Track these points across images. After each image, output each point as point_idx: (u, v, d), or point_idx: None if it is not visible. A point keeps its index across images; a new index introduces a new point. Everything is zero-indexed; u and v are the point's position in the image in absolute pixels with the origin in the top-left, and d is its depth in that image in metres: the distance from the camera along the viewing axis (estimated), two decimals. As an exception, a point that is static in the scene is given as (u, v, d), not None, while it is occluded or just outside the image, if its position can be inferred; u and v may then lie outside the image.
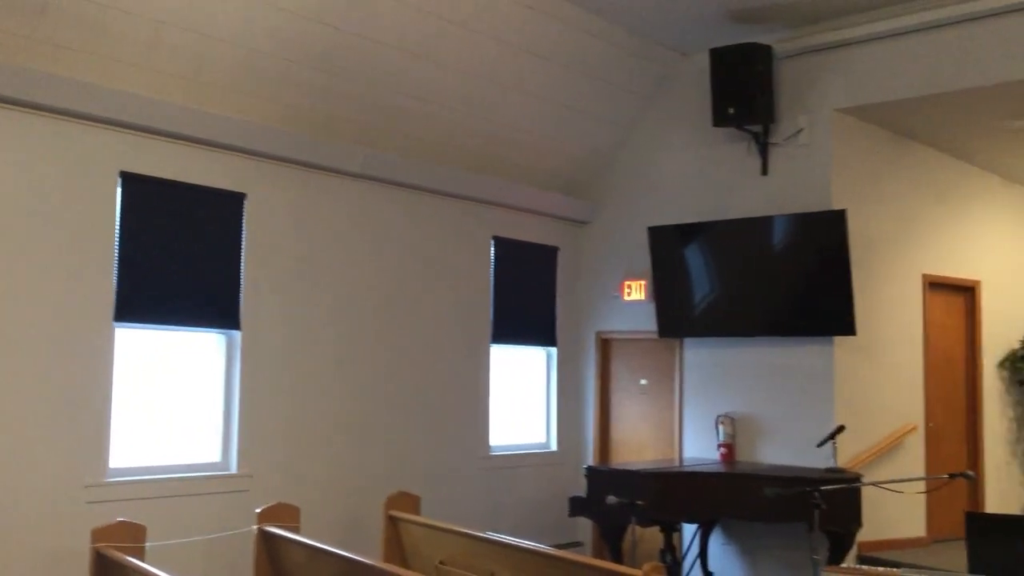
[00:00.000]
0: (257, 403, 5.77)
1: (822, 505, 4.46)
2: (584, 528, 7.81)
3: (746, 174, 7.06)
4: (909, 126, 6.96)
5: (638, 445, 7.74)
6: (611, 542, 6.28)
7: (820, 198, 6.62)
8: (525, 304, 7.74)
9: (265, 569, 4.97)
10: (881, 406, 6.87)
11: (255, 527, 4.99)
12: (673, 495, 6.09)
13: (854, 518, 5.86)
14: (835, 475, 5.96)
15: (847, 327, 6.35)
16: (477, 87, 6.60)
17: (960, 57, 5.99)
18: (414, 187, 6.77)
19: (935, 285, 7.47)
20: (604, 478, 6.34)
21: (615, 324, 7.91)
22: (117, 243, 5.20)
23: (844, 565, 5.61)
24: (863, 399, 6.72)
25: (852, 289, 6.32)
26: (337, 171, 6.25)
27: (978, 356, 7.84)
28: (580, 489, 6.72)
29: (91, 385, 5.05)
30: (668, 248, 7.24)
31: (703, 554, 6.93)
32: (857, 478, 5.83)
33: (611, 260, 7.95)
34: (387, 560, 5.26)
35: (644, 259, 7.47)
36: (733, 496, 6.04)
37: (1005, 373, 8.09)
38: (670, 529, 6.63)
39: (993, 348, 7.99)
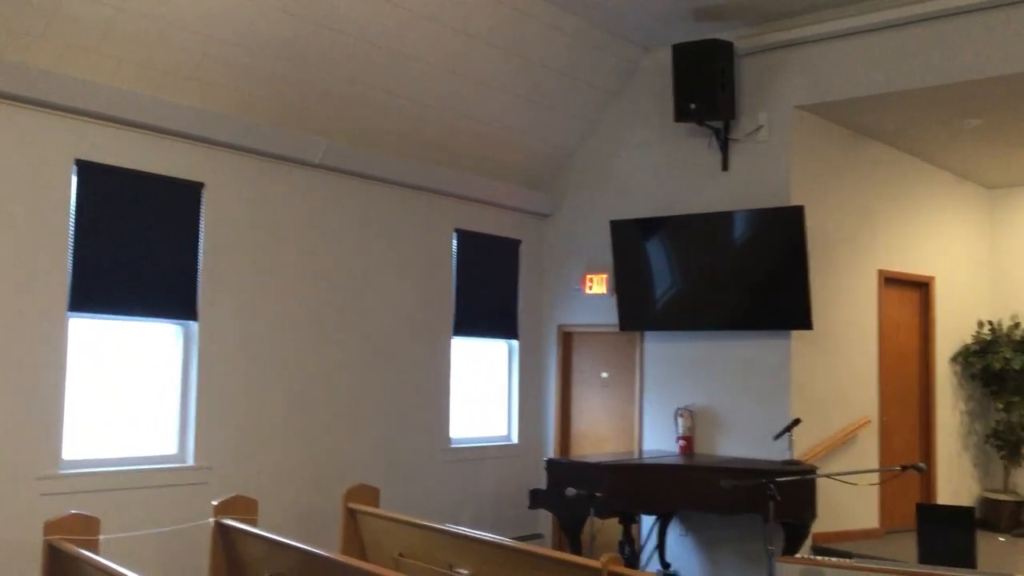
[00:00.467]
0: (214, 395, 5.72)
1: (777, 497, 4.53)
2: (544, 520, 7.85)
3: (707, 169, 7.12)
4: (867, 124, 7.06)
5: (599, 437, 7.79)
6: (570, 534, 6.32)
7: (779, 194, 6.69)
8: (487, 296, 7.74)
9: (221, 562, 4.93)
10: (836, 399, 6.98)
11: (211, 520, 4.94)
12: (631, 487, 6.14)
13: (809, 509, 5.95)
14: (791, 467, 6.04)
15: (804, 322, 6.44)
16: (440, 79, 6.57)
17: (917, 56, 6.08)
18: (376, 179, 6.74)
19: (890, 281, 7.59)
20: (564, 470, 6.37)
21: (577, 317, 7.94)
22: (72, 232, 5.12)
23: (798, 555, 5.70)
24: (819, 393, 6.82)
25: (809, 284, 6.41)
26: (297, 161, 6.20)
27: (931, 351, 7.99)
28: (541, 481, 6.75)
29: (44, 376, 4.97)
30: (630, 242, 7.28)
31: (661, 545, 7.00)
32: (812, 470, 5.91)
33: (573, 253, 7.98)
34: (345, 553, 5.24)
35: (606, 253, 7.51)
36: (690, 488, 6.11)
37: (957, 367, 8.26)
38: (629, 521, 6.67)
39: (946, 343, 8.15)
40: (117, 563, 3.87)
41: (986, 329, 8.37)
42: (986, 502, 8.18)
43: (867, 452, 7.18)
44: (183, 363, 5.67)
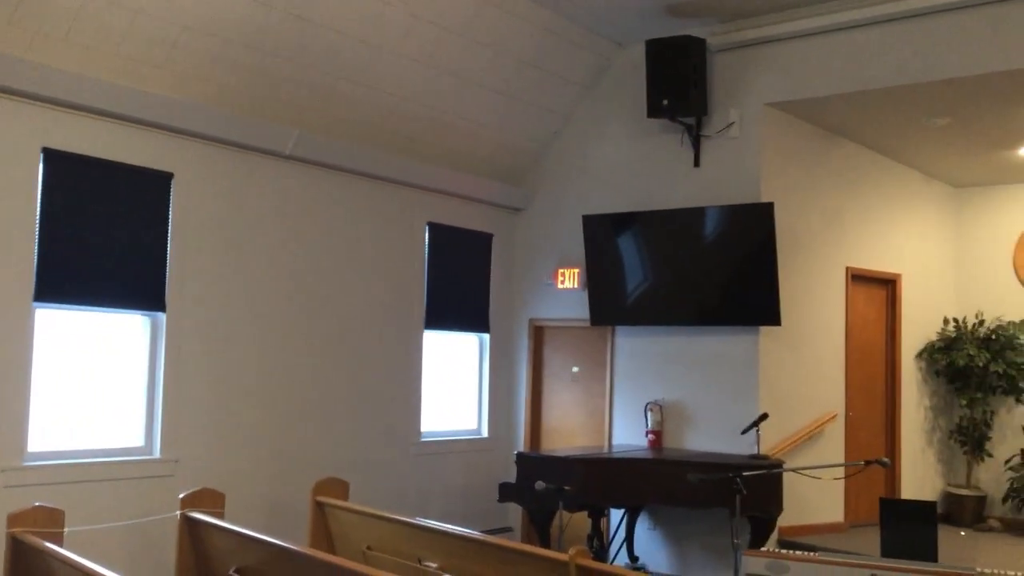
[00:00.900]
0: (182, 387, 5.67)
1: (743, 491, 4.58)
2: (514, 513, 7.87)
3: (679, 165, 7.16)
4: (836, 122, 7.13)
5: (569, 431, 7.82)
6: (539, 527, 6.35)
7: (750, 191, 6.75)
8: (459, 290, 7.74)
9: (188, 555, 4.89)
10: (804, 395, 7.06)
11: (178, 512, 4.91)
12: (600, 481, 6.17)
13: (775, 503, 6.02)
14: (757, 462, 6.10)
15: (772, 317, 6.50)
16: (414, 72, 6.55)
17: (886, 55, 6.15)
18: (348, 171, 6.71)
19: (857, 278, 7.69)
20: (534, 464, 6.39)
21: (548, 311, 7.96)
22: (38, 221, 5.05)
23: (764, 549, 5.76)
24: (787, 388, 6.89)
25: (778, 280, 6.47)
26: (268, 152, 6.16)
27: (897, 347, 8.09)
28: (511, 475, 6.77)
29: (9, 367, 4.91)
30: (602, 237, 7.31)
31: (629, 539, 7.05)
32: (778, 464, 5.98)
33: (545, 248, 7.99)
34: (313, 546, 5.22)
35: (578, 247, 7.53)
36: (658, 482, 6.15)
37: (922, 364, 8.37)
38: (598, 514, 6.72)
39: (911, 339, 8.26)
40: (82, 556, 3.84)
41: (951, 326, 8.49)
42: (949, 497, 8.31)
43: (833, 447, 7.27)
44: (150, 354, 5.62)
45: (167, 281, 5.63)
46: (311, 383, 6.46)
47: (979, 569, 3.71)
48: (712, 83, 6.94)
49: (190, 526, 4.89)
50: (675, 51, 6.70)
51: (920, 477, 8.24)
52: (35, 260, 5.03)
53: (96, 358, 5.44)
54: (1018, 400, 8.19)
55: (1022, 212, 8.58)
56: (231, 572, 4.47)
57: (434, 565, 4.54)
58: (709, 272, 6.84)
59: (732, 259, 6.74)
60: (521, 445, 7.96)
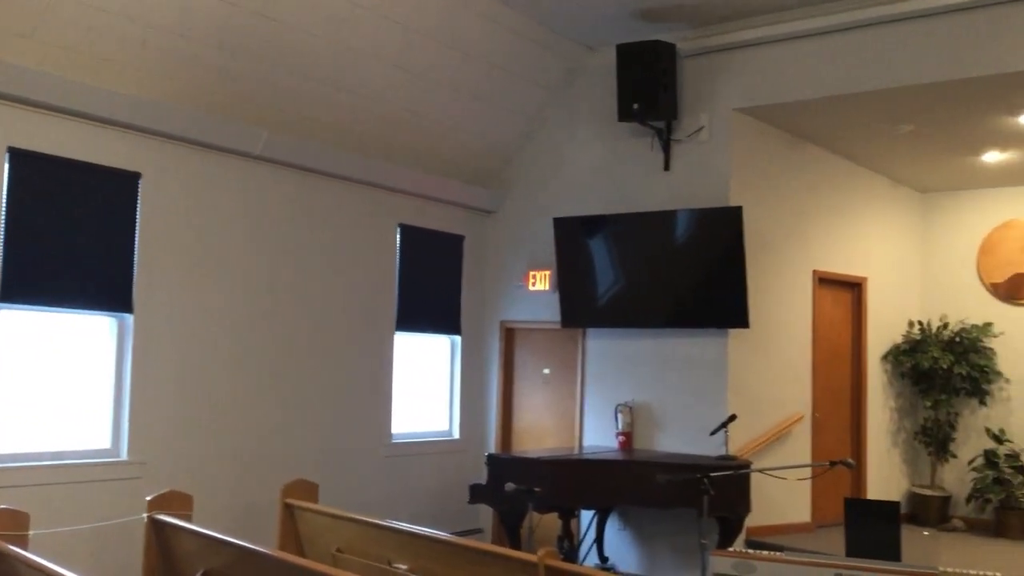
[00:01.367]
0: (150, 388, 5.63)
1: (710, 491, 4.62)
2: (485, 515, 7.88)
3: (649, 169, 7.21)
4: (804, 127, 7.22)
5: (540, 433, 7.84)
6: (509, 529, 6.36)
7: (719, 194, 6.81)
8: (430, 292, 7.74)
9: (155, 558, 4.85)
10: (771, 396, 7.13)
11: (145, 515, 4.86)
12: (570, 482, 6.20)
13: (743, 504, 6.08)
14: (725, 462, 6.16)
15: (741, 320, 6.57)
16: (384, 73, 6.55)
17: (852, 62, 6.24)
18: (318, 172, 6.69)
19: (824, 281, 7.78)
20: (504, 465, 6.41)
21: (519, 314, 7.98)
22: (3, 221, 4.99)
23: (731, 549, 5.81)
24: (755, 389, 6.96)
25: (746, 283, 6.54)
26: (237, 152, 6.13)
27: (863, 349, 8.20)
28: (482, 477, 6.77)
29: (-29, 368, 4.84)
30: (572, 239, 7.34)
31: (599, 540, 7.08)
32: (745, 465, 6.04)
33: (516, 250, 8.01)
34: (282, 548, 5.20)
35: (549, 250, 7.56)
36: (628, 483, 6.19)
37: (888, 366, 8.49)
38: (568, 515, 6.74)
39: (877, 342, 8.38)
40: (48, 559, 3.80)
41: (916, 329, 8.62)
42: (915, 497, 8.43)
43: (800, 447, 7.36)
44: (117, 356, 5.57)
45: (134, 282, 5.58)
46: (281, 385, 6.43)
47: (941, 568, 3.76)
48: (682, 88, 7.00)
49: (157, 529, 4.85)
50: (645, 56, 6.75)
51: (886, 477, 8.35)
52: (0, 260, 4.97)
53: (62, 359, 5.38)
54: (981, 402, 8.34)
55: (986, 217, 8.72)
56: (199, 575, 4.44)
57: (404, 567, 4.54)
58: (679, 275, 6.89)
59: (701, 262, 6.80)
60: (492, 447, 7.97)
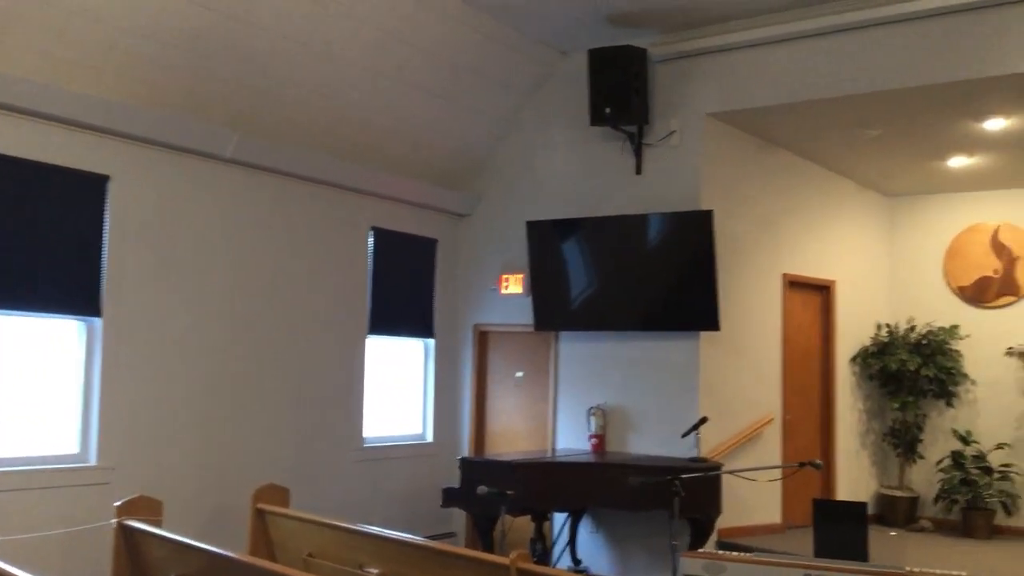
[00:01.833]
0: (119, 393, 5.58)
1: (681, 493, 4.66)
2: (458, 518, 7.88)
3: (621, 173, 7.25)
4: (774, 132, 7.30)
5: (513, 436, 7.86)
6: (482, 532, 6.37)
7: (690, 198, 6.86)
8: (403, 295, 7.73)
9: (125, 564, 4.81)
10: (742, 398, 7.20)
11: (114, 521, 4.82)
12: (543, 485, 6.21)
13: (714, 505, 6.12)
14: (696, 464, 6.20)
15: (712, 323, 6.62)
16: (355, 75, 6.54)
17: (821, 68, 6.31)
18: (290, 175, 6.66)
19: (794, 284, 7.86)
20: (477, 469, 6.41)
21: (492, 317, 7.99)
22: (-32, 224, 4.93)
23: (702, 550, 5.85)
24: (726, 391, 7.02)
25: (717, 286, 6.59)
26: (208, 155, 6.09)
27: (832, 352, 8.30)
28: (455, 480, 6.77)
29: (-64, 374, 4.78)
30: (546, 243, 7.36)
31: (572, 542, 7.10)
32: (716, 467, 6.08)
33: (489, 253, 8.02)
34: (253, 554, 5.17)
35: (522, 253, 7.57)
36: (600, 485, 6.22)
37: (856, 368, 8.59)
38: (541, 518, 6.76)
39: (846, 344, 8.47)
40: (15, 566, 3.75)
41: (884, 331, 8.72)
42: (883, 498, 8.52)
43: (771, 449, 7.43)
44: (86, 360, 5.51)
45: (103, 286, 5.53)
46: (252, 389, 6.40)
47: (908, 568, 3.82)
48: (653, 92, 7.04)
49: (126, 534, 4.81)
50: (617, 60, 6.79)
51: (854, 478, 8.44)
52: (-35, 264, 4.91)
53: (30, 364, 5.32)
54: (948, 404, 8.46)
55: (952, 221, 8.85)
56: (168, 581, 4.41)
57: (375, 571, 4.53)
58: (651, 278, 6.93)
59: (673, 265, 6.84)
60: (465, 450, 7.97)
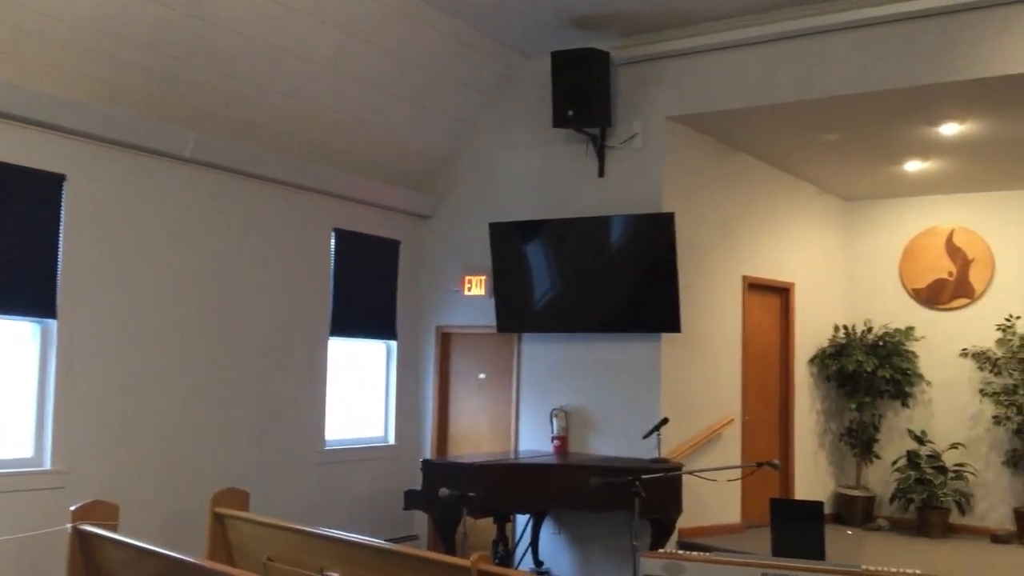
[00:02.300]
0: (75, 395, 5.49)
1: (642, 493, 4.69)
2: (420, 521, 7.85)
3: (584, 175, 7.28)
4: (734, 136, 7.37)
5: (476, 438, 7.85)
6: (444, 534, 6.35)
7: (652, 201, 6.91)
8: (366, 297, 7.70)
9: (80, 570, 4.74)
10: (703, 399, 7.26)
11: (69, 526, 4.75)
12: (505, 486, 6.22)
13: (674, 506, 6.17)
14: (657, 465, 6.24)
15: (673, 324, 6.67)
16: (318, 75, 6.50)
17: (780, 72, 6.39)
18: (250, 175, 6.60)
19: (753, 286, 7.95)
20: (439, 471, 6.40)
21: (455, 318, 7.98)
22: (-83, 223, 4.83)
23: (662, 550, 5.89)
24: (686, 393, 7.08)
25: (678, 288, 6.64)
26: (166, 155, 6.01)
27: (791, 353, 8.40)
28: (418, 482, 6.76)
29: None
30: (508, 244, 7.37)
31: (534, 544, 7.12)
32: (676, 468, 6.13)
33: (452, 255, 8.02)
34: (212, 558, 5.12)
35: (485, 255, 7.57)
36: (562, 487, 6.24)
37: (815, 369, 8.70)
38: (503, 520, 6.76)
39: (804, 346, 8.59)
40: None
41: (841, 333, 8.85)
42: (841, 498, 8.64)
43: (731, 449, 7.50)
44: (40, 362, 5.42)
45: (58, 287, 5.44)
46: (211, 391, 6.33)
47: (864, 567, 3.87)
48: (616, 95, 7.08)
49: (82, 540, 4.74)
50: (580, 63, 6.82)
51: (812, 478, 8.56)
52: (-85, 264, 4.81)
53: (-19, 367, 5.23)
54: (904, 404, 8.61)
55: (908, 224, 8.99)
56: (124, 586, 4.36)
57: (336, 575, 4.51)
58: (613, 280, 6.97)
59: (635, 268, 6.89)
60: (428, 452, 7.95)
